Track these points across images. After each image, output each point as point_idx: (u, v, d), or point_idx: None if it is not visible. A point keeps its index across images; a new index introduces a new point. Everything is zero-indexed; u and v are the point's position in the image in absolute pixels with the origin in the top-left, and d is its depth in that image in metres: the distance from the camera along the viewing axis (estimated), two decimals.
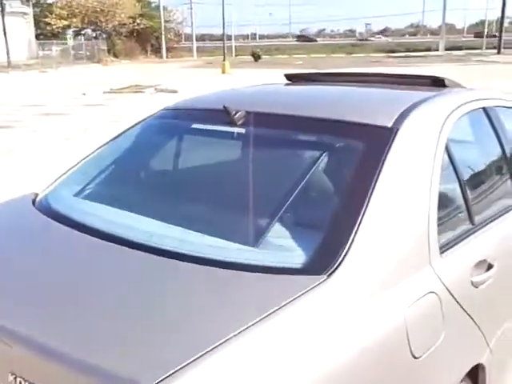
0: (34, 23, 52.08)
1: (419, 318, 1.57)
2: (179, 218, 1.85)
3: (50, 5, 53.81)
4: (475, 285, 1.83)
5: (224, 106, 1.99)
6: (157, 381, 1.13)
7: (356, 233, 1.53)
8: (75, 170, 2.27)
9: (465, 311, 1.77)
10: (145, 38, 56.03)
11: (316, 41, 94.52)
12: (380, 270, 1.55)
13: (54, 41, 50.35)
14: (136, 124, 2.39)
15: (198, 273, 1.53)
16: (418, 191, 1.76)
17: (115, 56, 50.81)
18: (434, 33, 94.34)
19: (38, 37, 52.25)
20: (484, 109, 2.32)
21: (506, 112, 2.52)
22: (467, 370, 1.77)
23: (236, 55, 59.45)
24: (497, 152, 2.41)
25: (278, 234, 1.67)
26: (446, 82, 2.43)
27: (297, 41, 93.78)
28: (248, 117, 2.00)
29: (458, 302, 1.73)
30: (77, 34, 55.16)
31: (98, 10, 51.46)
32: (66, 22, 50.84)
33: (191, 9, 63.68)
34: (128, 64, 46.61)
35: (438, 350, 1.60)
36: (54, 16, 50.28)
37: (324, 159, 1.88)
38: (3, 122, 12.09)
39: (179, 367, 1.15)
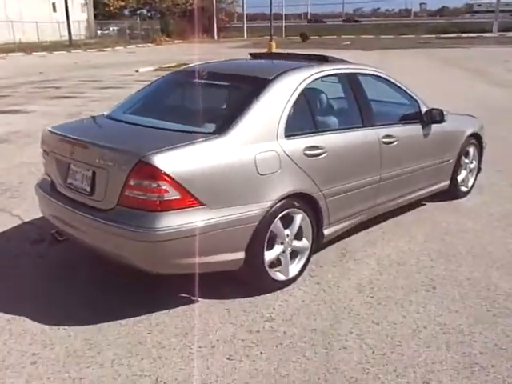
0: (93, 4, 54.57)
1: (263, 158, 3.21)
2: (165, 117, 3.65)
3: None
4: (306, 155, 3.45)
5: (198, 70, 3.62)
6: (149, 152, 2.77)
7: (238, 121, 3.22)
8: (122, 102, 3.90)
9: (294, 163, 3.36)
10: (197, 18, 57.54)
11: (360, 21, 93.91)
12: (249, 137, 3.22)
13: (112, 21, 52.83)
14: (156, 79, 4.02)
15: (164, 132, 3.29)
16: (278, 106, 3.42)
17: (168, 36, 52.58)
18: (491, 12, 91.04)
19: (96, 17, 54.81)
20: (346, 74, 4.10)
21: (366, 78, 4.25)
22: (293, 188, 3.36)
23: (286, 35, 60.13)
24: (346, 98, 4.16)
25: (204, 120, 3.38)
26: (329, 59, 4.09)
27: (343, 22, 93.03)
28: (208, 74, 4.00)
29: (290, 157, 3.33)
30: (132, 13, 57.36)
31: None
32: (122, 3, 53.15)
33: None
34: (180, 43, 48.32)
35: (273, 175, 3.23)
36: None
37: (237, 91, 3.76)
38: (69, 93, 14.04)
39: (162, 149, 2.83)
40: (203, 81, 3.88)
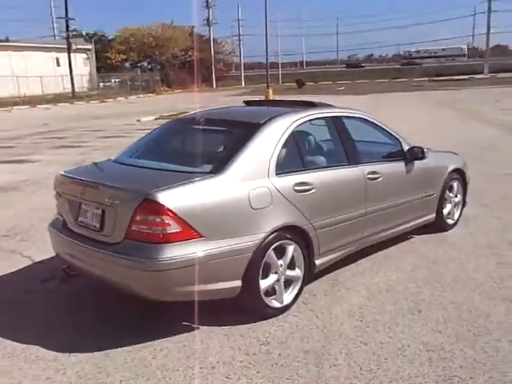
0: (96, 58, 56.45)
1: (257, 194, 3.54)
2: (166, 160, 4.02)
3: (110, 41, 58.26)
4: (296, 191, 3.76)
5: (196, 117, 4.04)
6: (154, 190, 3.09)
7: (233, 161, 3.56)
8: (127, 148, 4.29)
9: (285, 198, 3.69)
10: (196, 68, 59.38)
11: (363, 67, 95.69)
12: (243, 175, 3.55)
13: (114, 73, 54.51)
14: (158, 127, 4.42)
15: (166, 173, 3.65)
16: (269, 147, 3.79)
17: (168, 86, 54.22)
18: (483, 55, 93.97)
19: (98, 70, 56.58)
20: (331, 117, 4.46)
21: (350, 120, 4.61)
22: (284, 221, 3.66)
23: (282, 82, 61.84)
24: (332, 139, 4.50)
25: (202, 161, 3.73)
26: (316, 104, 4.51)
27: (346, 67, 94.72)
28: (205, 121, 4.40)
29: (281, 193, 3.66)
30: (133, 66, 59.25)
31: (153, 44, 55.38)
32: (123, 56, 55.02)
33: (240, 40, 66.93)
34: (180, 93, 49.71)
35: (266, 209, 3.54)
36: (113, 51, 54.52)
37: (231, 134, 4.15)
38: (73, 143, 14.56)
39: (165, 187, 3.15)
40: (200, 126, 4.28)
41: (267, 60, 39.88)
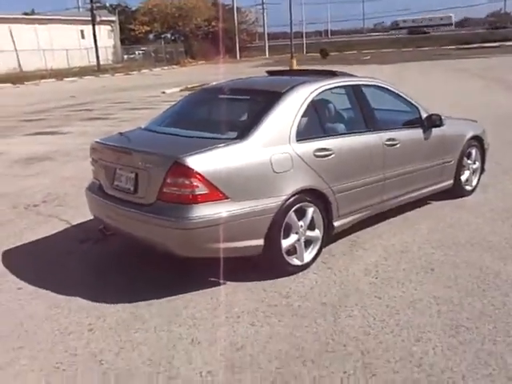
0: (119, 30, 56.51)
1: (278, 159, 3.78)
2: (193, 128, 4.26)
3: (134, 12, 58.22)
4: (316, 156, 3.97)
5: (220, 87, 4.27)
6: (183, 154, 3.38)
7: (256, 128, 3.78)
8: (156, 117, 4.57)
9: (305, 163, 3.88)
10: (219, 39, 59.00)
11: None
12: (266, 141, 3.80)
13: (138, 45, 54.65)
14: (185, 96, 4.65)
15: (194, 140, 3.91)
16: (289, 115, 3.96)
17: (192, 57, 54.08)
18: None
19: (122, 42, 56.72)
20: (351, 86, 4.60)
21: (370, 89, 4.78)
22: (304, 185, 3.90)
23: (307, 52, 61.09)
24: (352, 107, 4.66)
25: (227, 129, 3.97)
26: (337, 73, 4.59)
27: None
28: (229, 90, 4.66)
29: (301, 158, 3.85)
30: (157, 37, 59.19)
31: (177, 15, 55.13)
32: (147, 28, 54.97)
33: (263, 9, 66.01)
34: (204, 64, 49.66)
35: (287, 173, 3.78)
36: (136, 22, 54.51)
37: (255, 103, 4.35)
38: (100, 115, 14.92)
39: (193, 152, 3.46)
40: (225, 96, 4.49)
41: (291, 30, 39.43)
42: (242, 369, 2.83)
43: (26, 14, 57.69)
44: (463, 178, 5.66)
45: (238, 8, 61.32)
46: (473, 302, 3.45)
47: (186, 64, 49.67)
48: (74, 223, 5.33)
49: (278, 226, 3.74)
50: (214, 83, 5.10)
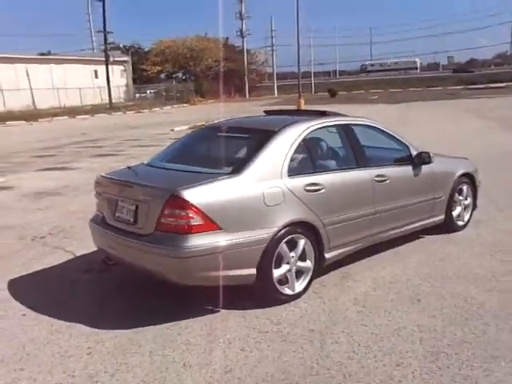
0: (132, 69, 58.08)
1: (270, 193, 4.01)
2: (192, 163, 4.48)
3: (146, 53, 59.97)
4: (306, 190, 4.18)
5: (219, 126, 4.57)
6: (180, 188, 3.60)
7: (250, 164, 4.01)
8: (159, 153, 4.83)
9: (296, 197, 4.10)
10: (229, 79, 60.40)
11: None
12: (258, 176, 4.04)
13: (149, 85, 56.06)
14: (186, 134, 4.93)
15: (191, 174, 4.15)
16: (282, 152, 4.22)
17: (202, 96, 55.23)
18: None
19: (135, 81, 58.20)
20: (341, 125, 4.86)
21: (360, 128, 5.03)
22: (295, 217, 4.08)
23: (315, 92, 62.25)
24: (342, 145, 4.92)
25: (223, 164, 4.19)
26: (327, 113, 4.91)
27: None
28: (227, 128, 4.90)
29: (292, 192, 4.07)
30: (168, 77, 60.70)
31: (188, 55, 56.71)
32: (159, 68, 56.50)
33: (272, 51, 67.67)
34: (213, 103, 50.60)
35: (278, 206, 3.97)
36: (149, 63, 56.07)
37: (250, 140, 4.59)
38: (110, 151, 15.34)
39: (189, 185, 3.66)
40: (223, 134, 4.77)
41: (299, 71, 40.32)
42: None
43: (42, 54, 59.76)
44: (455, 213, 5.85)
45: (247, 49, 63.04)
46: (455, 330, 3.60)
47: (195, 102, 50.69)
48: (79, 254, 5.55)
49: (269, 256, 3.94)
50: (215, 121, 5.39)
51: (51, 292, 4.62)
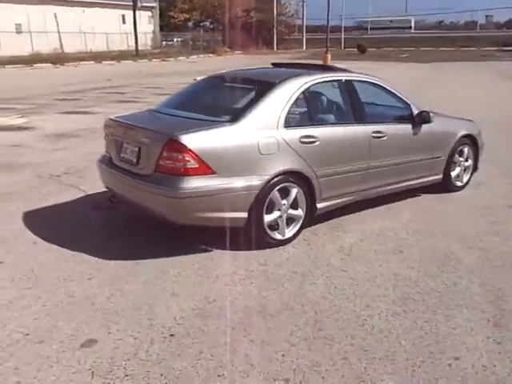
0: (160, 16, 57.42)
1: (265, 142, 4.19)
2: (195, 111, 4.65)
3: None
4: (301, 142, 4.37)
5: (225, 76, 4.73)
6: (177, 132, 3.88)
7: (247, 113, 4.18)
8: (165, 100, 5.04)
9: (291, 147, 4.29)
10: (257, 30, 59.33)
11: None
12: (255, 125, 4.21)
13: (177, 32, 55.53)
14: (193, 83, 5.13)
15: (192, 121, 4.34)
16: (280, 104, 4.37)
17: (229, 47, 54.49)
18: None
19: (162, 28, 57.64)
20: (343, 81, 4.96)
21: (361, 84, 5.12)
22: (288, 167, 4.31)
23: (345, 47, 60.88)
24: (342, 100, 5.02)
25: (223, 113, 4.39)
26: (333, 68, 4.93)
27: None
28: (232, 79, 5.06)
29: (287, 143, 4.27)
30: (196, 25, 59.91)
31: (216, 4, 55.71)
32: (186, 16, 55.73)
33: (303, 2, 65.88)
34: (239, 54, 50.02)
35: (272, 155, 4.20)
36: (176, 10, 55.31)
37: (251, 91, 4.65)
38: (132, 98, 15.59)
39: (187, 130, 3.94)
40: (228, 84, 4.96)
41: (328, 24, 39.41)
42: (209, 317, 3.31)
43: None
44: (453, 174, 5.98)
45: (277, 0, 61.38)
46: (428, 280, 3.84)
47: (221, 53, 50.15)
48: (90, 192, 5.89)
49: (261, 201, 4.19)
50: (223, 71, 5.55)
51: (62, 225, 4.97)
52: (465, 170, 6.14)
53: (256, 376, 2.74)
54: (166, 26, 58.40)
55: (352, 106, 4.92)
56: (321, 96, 4.88)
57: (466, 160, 6.12)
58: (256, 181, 4.12)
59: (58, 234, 4.73)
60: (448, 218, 5.23)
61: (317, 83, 4.72)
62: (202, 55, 47.29)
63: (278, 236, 4.41)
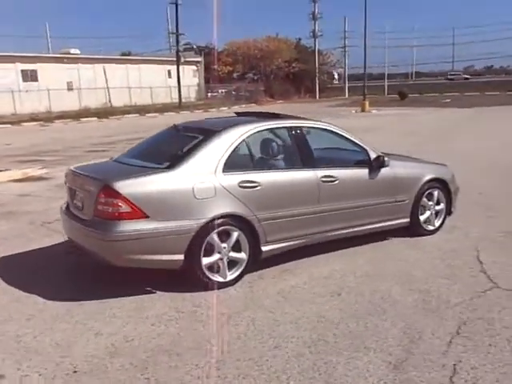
0: (205, 69, 59.88)
1: (201, 187, 4.38)
2: (144, 159, 4.90)
3: (219, 53, 61.48)
4: (241, 187, 4.51)
5: (182, 125, 5.20)
6: (112, 179, 4.15)
7: (185, 160, 4.43)
8: (124, 153, 5.33)
9: (229, 192, 4.45)
10: (299, 79, 60.69)
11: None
12: (191, 171, 4.43)
13: (221, 84, 57.62)
14: (158, 132, 5.49)
15: (135, 168, 4.59)
16: (219, 150, 4.57)
17: (271, 96, 55.87)
18: None
19: (208, 80, 59.98)
20: (289, 127, 5.14)
21: (313, 130, 5.28)
22: (226, 211, 4.44)
23: (389, 93, 61.11)
24: (290, 146, 5.18)
25: (165, 160, 4.60)
26: (281, 115, 5.25)
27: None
28: (184, 128, 5.33)
29: (225, 188, 4.43)
30: (241, 77, 61.98)
31: (259, 56, 57.63)
32: (230, 68, 57.89)
33: (345, 52, 67.10)
34: (281, 104, 51.11)
35: (209, 200, 4.36)
36: (220, 63, 57.62)
37: (195, 139, 4.80)
38: None
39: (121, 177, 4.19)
40: (180, 133, 5.22)
41: (365, 71, 39.91)
42: (119, 356, 3.45)
43: (123, 54, 63.03)
44: (422, 217, 5.94)
45: (319, 50, 62.92)
46: (350, 322, 3.84)
47: (264, 103, 51.37)
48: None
49: (198, 244, 4.35)
50: (184, 122, 5.85)
51: (31, 269, 5.27)
52: (437, 213, 6.09)
53: None
54: (212, 78, 60.80)
55: (300, 151, 5.07)
56: (266, 143, 5.06)
57: (438, 204, 6.07)
58: (191, 224, 4.30)
59: (24, 276, 5.04)
60: (405, 261, 5.18)
61: (261, 130, 4.93)
62: (243, 105, 48.56)
63: (219, 278, 4.53)
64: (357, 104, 38.75)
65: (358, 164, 5.45)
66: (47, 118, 32.90)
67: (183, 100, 45.54)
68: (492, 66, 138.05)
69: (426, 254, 5.40)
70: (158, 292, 4.50)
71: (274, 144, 5.11)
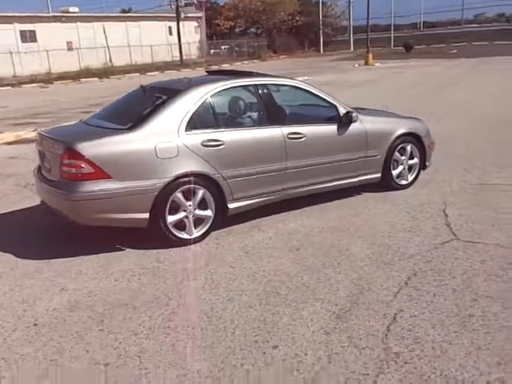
0: (207, 25, 58.77)
1: (163, 147, 4.46)
2: (110, 120, 4.96)
3: (221, 7, 60.27)
4: (204, 146, 4.59)
5: (149, 86, 5.22)
6: (74, 141, 4.25)
7: (147, 120, 4.51)
8: (95, 113, 5.40)
9: (191, 151, 4.53)
10: (303, 33, 59.44)
11: None
12: (153, 131, 4.51)
13: (224, 40, 56.67)
14: (126, 93, 5.50)
15: (100, 129, 4.73)
16: (182, 110, 4.63)
17: (274, 52, 54.87)
18: None
19: (211, 37, 59.02)
20: (256, 85, 5.12)
21: (280, 87, 5.31)
22: (189, 170, 4.52)
23: (395, 46, 59.81)
24: (256, 103, 5.22)
25: (128, 121, 4.63)
26: (252, 73, 5.33)
27: None
28: (152, 89, 5.31)
29: (187, 147, 4.51)
30: (243, 32, 60.84)
31: (261, 9, 56.28)
32: (231, 23, 56.72)
33: (349, 2, 65.19)
34: (284, 59, 50.33)
35: (172, 159, 4.46)
36: (222, 18, 56.44)
37: (159, 99, 4.82)
38: None
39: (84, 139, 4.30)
40: (148, 93, 5.24)
41: (368, 22, 38.87)
42: (79, 310, 3.63)
43: (123, 11, 61.91)
44: (395, 172, 6.00)
45: (323, 2, 61.20)
46: (304, 275, 3.99)
47: (266, 58, 50.60)
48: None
49: (162, 203, 4.47)
50: (152, 82, 5.88)
51: (6, 230, 5.47)
52: (410, 168, 6.14)
53: (82, 360, 3.03)
54: (214, 34, 59.70)
55: (266, 109, 5.11)
56: (232, 101, 5.10)
57: (411, 158, 6.11)
58: (154, 183, 4.41)
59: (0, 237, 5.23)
60: (372, 216, 5.29)
61: (226, 89, 4.95)
62: (246, 62, 47.83)
63: (185, 235, 4.67)
64: (361, 57, 38.05)
65: (328, 120, 5.47)
66: (47, 79, 32.77)
67: (184, 57, 44.92)
68: (504, 13, 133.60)
69: (395, 208, 5.50)
70: (127, 250, 4.66)
71: (239, 102, 5.14)
